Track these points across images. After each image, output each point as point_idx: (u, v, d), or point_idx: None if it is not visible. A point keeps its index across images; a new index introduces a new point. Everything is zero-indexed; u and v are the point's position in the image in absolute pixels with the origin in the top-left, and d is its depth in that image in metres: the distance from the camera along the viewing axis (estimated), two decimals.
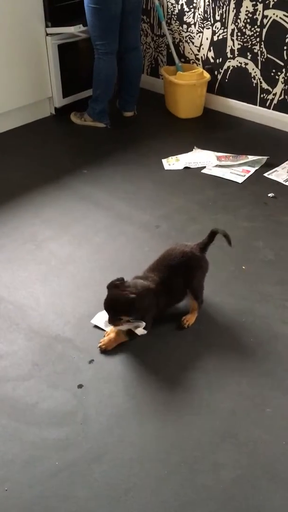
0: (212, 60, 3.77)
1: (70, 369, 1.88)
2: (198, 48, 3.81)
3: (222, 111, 3.86)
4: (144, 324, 1.90)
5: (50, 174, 3.10)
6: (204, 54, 3.79)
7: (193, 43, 3.81)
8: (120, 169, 3.16)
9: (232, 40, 3.58)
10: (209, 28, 3.66)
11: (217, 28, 3.61)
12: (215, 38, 3.66)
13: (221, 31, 3.60)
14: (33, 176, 3.08)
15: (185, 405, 1.75)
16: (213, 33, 3.65)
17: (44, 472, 1.55)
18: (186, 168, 3.15)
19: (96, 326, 2.03)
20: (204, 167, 3.15)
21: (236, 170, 3.11)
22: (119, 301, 1.81)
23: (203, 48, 3.78)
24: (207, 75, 3.69)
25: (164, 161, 3.23)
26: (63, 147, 3.48)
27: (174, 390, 1.81)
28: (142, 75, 3.78)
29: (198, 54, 3.83)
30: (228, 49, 3.64)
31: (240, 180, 3.03)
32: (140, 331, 1.92)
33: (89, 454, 1.60)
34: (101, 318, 2.03)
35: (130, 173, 3.12)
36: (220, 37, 3.63)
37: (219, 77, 3.78)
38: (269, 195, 2.89)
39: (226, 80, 3.76)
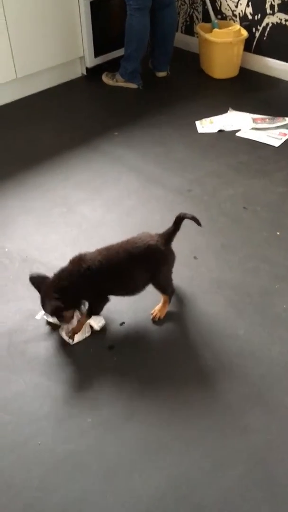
0: (250, 17, 3.59)
1: (101, 330, 1.89)
2: (235, 4, 3.63)
3: (259, 71, 3.71)
4: (100, 318, 1.87)
5: (81, 136, 3.05)
6: (242, 10, 3.61)
7: None
8: (152, 132, 3.09)
9: None
10: None
11: None
12: None
13: None
14: (64, 138, 3.05)
15: (216, 371, 1.75)
16: None
17: (76, 429, 1.58)
18: (220, 131, 3.06)
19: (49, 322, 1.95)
20: (239, 130, 3.05)
21: (272, 133, 3.00)
22: (47, 308, 1.74)
23: (241, 4, 3.59)
24: (244, 33, 3.52)
25: (197, 123, 3.14)
26: (94, 108, 3.42)
27: (203, 356, 1.80)
28: (176, 33, 3.63)
29: (235, 10, 3.65)
30: (267, 5, 3.45)
31: (276, 143, 2.92)
32: (96, 325, 1.88)
33: (120, 414, 1.62)
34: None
35: (162, 135, 3.05)
36: None
37: (257, 34, 3.61)
38: None
39: (265, 38, 3.58)
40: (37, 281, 1.78)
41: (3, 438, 1.57)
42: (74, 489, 1.44)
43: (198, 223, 1.83)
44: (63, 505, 1.41)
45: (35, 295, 1.98)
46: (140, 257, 1.75)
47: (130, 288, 1.84)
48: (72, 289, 1.72)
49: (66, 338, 1.85)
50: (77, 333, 1.85)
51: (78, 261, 1.75)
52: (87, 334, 1.87)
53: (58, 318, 1.79)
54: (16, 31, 3.16)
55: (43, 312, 1.89)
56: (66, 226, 2.41)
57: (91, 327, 1.88)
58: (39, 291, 1.77)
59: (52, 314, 1.76)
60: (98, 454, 1.52)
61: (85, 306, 1.86)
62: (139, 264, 1.76)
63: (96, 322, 1.88)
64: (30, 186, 2.66)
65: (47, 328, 1.91)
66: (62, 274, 1.74)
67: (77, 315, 1.86)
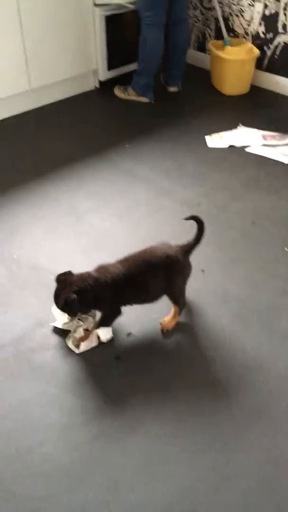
0: (262, 35, 3.64)
1: (109, 340, 1.89)
2: (248, 22, 3.68)
3: (270, 89, 3.75)
4: (108, 331, 1.87)
5: (93, 148, 3.08)
6: (254, 29, 3.66)
7: (243, 16, 3.68)
8: (162, 145, 3.11)
9: (285, 14, 3.44)
10: (260, 1, 3.53)
11: (270, 1, 3.48)
12: (267, 12, 3.53)
13: (273, 5, 3.47)
14: (76, 149, 3.08)
15: (223, 385, 1.74)
16: (265, 6, 3.52)
17: (81, 438, 1.58)
18: (230, 146, 3.08)
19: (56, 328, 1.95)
20: (249, 145, 3.08)
21: (282, 150, 3.02)
22: (60, 300, 1.71)
23: (253, 22, 3.65)
24: (256, 51, 3.57)
25: (207, 138, 3.16)
26: (106, 121, 3.46)
27: (210, 369, 1.80)
28: (188, 49, 3.68)
29: (247, 29, 3.70)
30: (279, 24, 3.50)
31: (286, 160, 2.94)
32: (104, 337, 1.87)
33: (125, 425, 1.61)
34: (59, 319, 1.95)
35: (172, 149, 3.08)
36: (273, 11, 3.49)
37: (269, 53, 3.65)
38: None
39: (276, 57, 3.63)
40: (61, 276, 1.75)
41: (7, 446, 1.56)
42: (78, 499, 1.43)
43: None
44: None
45: (43, 303, 1.99)
46: (159, 267, 1.76)
47: (149, 298, 1.86)
48: (91, 294, 1.71)
49: (72, 346, 1.85)
50: (83, 341, 1.84)
51: (103, 271, 1.75)
52: (94, 344, 1.87)
53: (68, 311, 1.76)
54: (31, 43, 3.21)
55: (56, 320, 1.91)
56: (75, 235, 2.42)
57: (98, 338, 1.88)
58: (58, 283, 1.75)
59: (65, 304, 1.70)
60: (102, 465, 1.51)
61: (95, 317, 1.87)
62: (158, 273, 1.77)
63: (104, 334, 1.88)
64: (41, 194, 2.69)
65: (54, 337, 1.91)
66: (86, 278, 1.73)
67: (79, 323, 1.87)
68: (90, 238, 2.40)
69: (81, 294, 1.68)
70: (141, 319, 1.97)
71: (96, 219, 2.52)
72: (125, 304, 1.84)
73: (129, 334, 1.92)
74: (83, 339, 1.85)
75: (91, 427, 1.61)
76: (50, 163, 2.94)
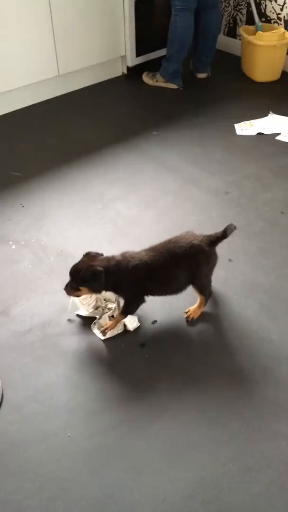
0: None
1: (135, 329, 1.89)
2: (281, 7, 3.58)
3: None
4: (134, 319, 1.87)
5: (120, 135, 3.07)
6: (287, 13, 3.56)
7: (276, 1, 3.58)
8: (191, 132, 3.08)
9: None
10: None
11: None
12: None
13: None
14: (103, 136, 3.07)
15: (248, 374, 1.73)
16: None
17: (105, 423, 1.59)
18: (259, 134, 3.03)
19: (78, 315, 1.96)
20: (279, 133, 3.01)
21: None
22: (81, 270, 1.70)
23: (286, 7, 3.55)
24: None
25: (236, 125, 3.11)
26: (133, 107, 3.43)
27: (235, 359, 1.78)
28: (219, 34, 3.61)
29: (280, 13, 3.61)
30: None
31: None
32: (130, 325, 1.87)
33: (149, 411, 1.62)
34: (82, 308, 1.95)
35: (200, 136, 3.04)
36: None
37: None
38: None
39: None
40: (85, 255, 1.76)
41: (33, 427, 1.59)
42: (101, 483, 1.45)
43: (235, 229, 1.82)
44: (89, 498, 1.42)
45: None
46: (184, 257, 1.75)
47: (172, 289, 1.85)
48: (112, 276, 1.71)
49: (97, 333, 1.87)
50: (110, 329, 1.85)
51: (127, 257, 1.76)
52: (119, 331, 1.87)
53: (92, 285, 1.74)
54: (61, 29, 3.20)
55: (79, 309, 1.93)
56: (102, 223, 2.42)
57: (124, 325, 1.88)
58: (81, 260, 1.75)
59: (92, 276, 1.69)
60: (126, 450, 1.53)
61: (120, 304, 1.88)
62: (182, 264, 1.76)
63: (131, 323, 1.88)
64: (68, 181, 2.70)
65: (80, 323, 1.92)
66: (110, 260, 1.75)
67: (105, 310, 1.89)
68: (116, 226, 2.40)
69: (103, 273, 1.69)
70: (166, 307, 1.96)
71: (123, 207, 2.52)
72: (147, 294, 1.83)
73: (154, 322, 1.92)
74: (109, 327, 1.85)
75: (116, 412, 1.62)
76: (78, 149, 2.94)
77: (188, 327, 1.90)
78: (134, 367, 1.76)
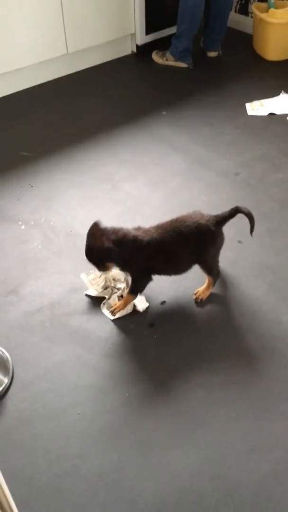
0: None
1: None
2: None
3: None
4: (143, 300, 1.87)
5: (129, 114, 3.04)
6: None
7: None
8: (201, 112, 3.04)
9: None
10: None
11: None
12: None
13: None
14: (112, 116, 3.04)
15: (257, 355, 1.73)
16: None
17: (114, 402, 1.61)
18: (271, 114, 2.98)
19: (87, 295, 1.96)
20: None
21: None
22: (93, 251, 1.69)
23: None
24: None
25: (247, 105, 3.06)
26: (143, 87, 3.39)
27: (245, 339, 1.79)
28: (230, 12, 3.54)
29: None
30: None
31: None
32: (140, 306, 1.87)
33: (158, 390, 1.63)
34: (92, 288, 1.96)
35: (210, 116, 3.00)
36: None
37: None
38: None
39: None
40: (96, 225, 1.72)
41: (43, 405, 1.61)
42: (111, 459, 1.47)
43: (252, 228, 1.80)
44: (100, 474, 1.44)
45: (79, 270, 2.01)
46: (190, 236, 1.74)
47: (178, 268, 1.84)
48: (128, 250, 1.70)
49: (106, 313, 1.87)
50: (119, 310, 1.86)
51: (142, 232, 1.74)
52: (128, 311, 1.88)
53: (99, 263, 1.74)
54: (69, 6, 3.14)
55: (88, 289, 1.94)
56: (111, 203, 2.41)
57: (134, 306, 1.89)
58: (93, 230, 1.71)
59: (103, 251, 1.68)
60: (135, 427, 1.54)
61: (128, 283, 1.88)
62: (189, 243, 1.75)
63: (140, 303, 1.89)
64: (76, 161, 2.68)
65: (89, 303, 1.93)
66: (126, 233, 1.71)
67: (114, 290, 1.90)
68: (125, 206, 2.39)
69: (119, 247, 1.67)
70: (175, 288, 1.96)
71: (132, 187, 2.50)
72: (154, 272, 1.83)
73: (163, 303, 1.92)
74: (119, 308, 1.86)
75: (124, 391, 1.64)
76: (86, 129, 2.92)
77: (197, 307, 1.90)
78: (143, 347, 1.77)
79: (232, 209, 1.77)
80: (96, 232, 1.70)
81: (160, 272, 1.84)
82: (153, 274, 1.83)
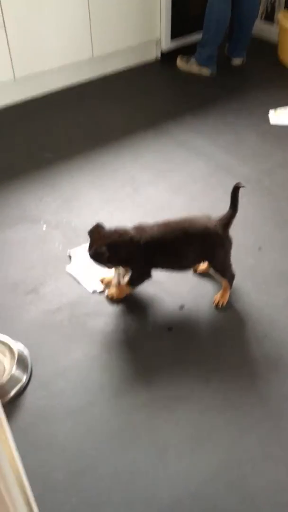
0: None
1: (160, 311, 1.91)
2: None
3: None
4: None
5: (152, 119, 3.06)
6: None
7: None
8: (224, 119, 3.05)
9: None
10: None
11: None
12: None
13: None
14: (135, 120, 3.06)
15: (275, 363, 1.73)
16: None
17: (131, 403, 1.61)
18: None
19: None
20: None
21: None
22: (92, 252, 1.75)
23: None
24: None
25: (270, 113, 3.06)
26: (166, 92, 3.41)
27: (263, 347, 1.78)
28: (255, 19, 3.54)
29: None
30: None
31: None
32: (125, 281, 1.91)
33: (175, 394, 1.64)
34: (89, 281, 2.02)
35: (233, 123, 3.01)
36: None
37: None
38: None
39: None
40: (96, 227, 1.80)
41: (60, 403, 1.62)
42: (126, 460, 1.48)
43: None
44: (115, 474, 1.45)
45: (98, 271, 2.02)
46: (196, 238, 1.77)
47: (180, 265, 1.89)
48: (123, 250, 1.75)
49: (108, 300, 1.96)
50: (118, 298, 1.92)
51: (140, 231, 1.79)
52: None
53: (97, 262, 1.79)
54: (96, 10, 3.18)
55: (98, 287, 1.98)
56: (132, 206, 2.43)
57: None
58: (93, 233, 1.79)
59: (95, 255, 1.75)
60: (151, 430, 1.55)
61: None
62: (194, 244, 1.78)
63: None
64: (99, 164, 2.70)
65: (108, 304, 1.94)
66: (122, 234, 1.76)
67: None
68: (146, 210, 2.40)
69: (114, 248, 1.72)
70: (194, 292, 1.97)
71: (153, 191, 2.52)
72: (155, 267, 1.87)
73: (182, 307, 1.92)
74: (116, 296, 1.92)
75: (142, 393, 1.64)
76: (110, 132, 2.94)
77: (215, 313, 1.90)
78: (161, 351, 1.78)
79: (230, 205, 1.80)
80: (94, 235, 1.77)
81: (163, 267, 1.87)
82: (155, 269, 1.87)
